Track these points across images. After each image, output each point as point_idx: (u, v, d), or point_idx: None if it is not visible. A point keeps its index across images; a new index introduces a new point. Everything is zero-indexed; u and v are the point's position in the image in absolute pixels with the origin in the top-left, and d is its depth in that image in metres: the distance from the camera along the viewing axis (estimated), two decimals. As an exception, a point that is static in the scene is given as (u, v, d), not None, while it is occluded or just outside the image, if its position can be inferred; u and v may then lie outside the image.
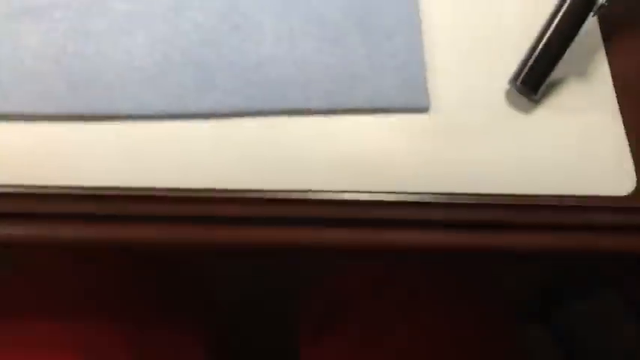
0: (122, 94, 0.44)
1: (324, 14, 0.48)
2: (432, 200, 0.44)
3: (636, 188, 0.46)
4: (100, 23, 0.46)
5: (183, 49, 0.46)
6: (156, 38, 0.46)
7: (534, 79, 0.46)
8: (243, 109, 0.45)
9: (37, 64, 0.44)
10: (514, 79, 0.47)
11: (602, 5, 0.46)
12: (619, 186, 0.45)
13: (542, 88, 0.47)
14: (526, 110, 0.48)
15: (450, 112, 0.47)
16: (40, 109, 0.44)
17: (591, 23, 0.47)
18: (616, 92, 0.48)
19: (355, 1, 0.48)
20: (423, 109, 0.46)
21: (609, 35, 0.51)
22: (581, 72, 0.49)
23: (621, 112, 0.48)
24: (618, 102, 0.48)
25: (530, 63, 0.46)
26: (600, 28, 0.50)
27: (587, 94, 0.48)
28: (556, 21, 0.46)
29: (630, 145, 0.47)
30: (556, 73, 0.47)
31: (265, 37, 0.47)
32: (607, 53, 0.50)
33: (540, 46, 0.46)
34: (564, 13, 0.46)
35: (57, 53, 0.45)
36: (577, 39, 0.46)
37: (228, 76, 0.46)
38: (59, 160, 0.43)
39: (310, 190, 0.44)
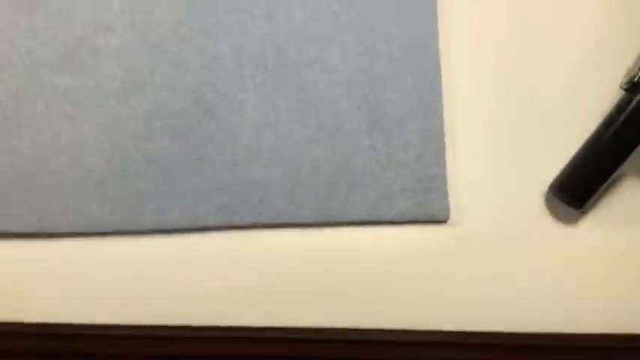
0: (62, 205, 0.35)
1: (319, 91, 0.38)
2: (444, 340, 0.36)
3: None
4: (35, 105, 0.36)
5: (140, 141, 0.36)
6: (106, 126, 0.36)
7: (580, 191, 0.37)
8: (215, 221, 0.36)
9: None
10: (556, 187, 0.37)
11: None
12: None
13: (591, 200, 0.37)
14: (568, 221, 0.38)
15: (474, 222, 0.37)
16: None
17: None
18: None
19: (360, 74, 0.38)
20: (440, 220, 0.37)
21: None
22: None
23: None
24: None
25: (576, 172, 0.37)
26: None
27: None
28: (614, 126, 0.36)
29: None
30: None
31: (244, 123, 0.37)
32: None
33: (591, 155, 0.36)
34: (626, 118, 0.35)
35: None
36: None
37: (197, 178, 0.36)
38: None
39: (294, 328, 0.34)
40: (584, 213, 0.38)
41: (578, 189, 0.37)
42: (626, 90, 0.36)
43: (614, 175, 0.36)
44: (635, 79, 0.36)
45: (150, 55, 0.37)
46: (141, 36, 0.38)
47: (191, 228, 0.36)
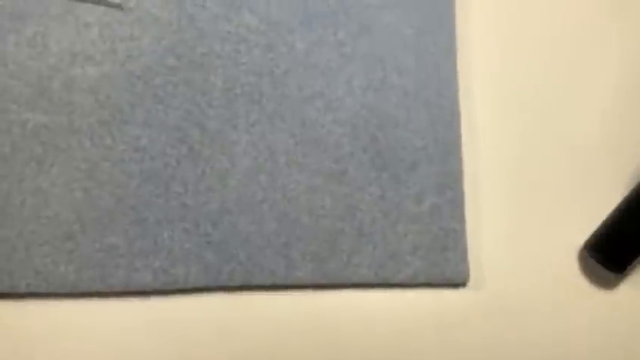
0: (23, 261, 0.31)
1: (321, 131, 0.33)
2: None
3: None
4: (1, 145, 0.32)
5: (115, 187, 0.32)
6: (77, 170, 0.32)
7: (619, 253, 0.32)
8: (198, 282, 0.31)
9: None
10: (592, 246, 0.32)
11: None
12: None
13: (632, 264, 0.32)
14: (606, 284, 0.33)
15: (497, 285, 0.33)
16: None
17: None
18: None
19: (368, 111, 0.34)
20: (458, 283, 0.33)
21: None
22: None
23: None
24: None
25: (615, 231, 0.32)
26: None
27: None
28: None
29: None
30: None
31: (235, 167, 0.33)
32: None
33: (633, 211, 0.32)
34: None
35: None
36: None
37: (178, 230, 0.32)
38: None
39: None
40: (624, 276, 0.33)
41: (616, 251, 0.32)
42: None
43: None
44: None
45: (131, 88, 0.33)
46: (122, 66, 0.34)
47: (170, 289, 0.31)
